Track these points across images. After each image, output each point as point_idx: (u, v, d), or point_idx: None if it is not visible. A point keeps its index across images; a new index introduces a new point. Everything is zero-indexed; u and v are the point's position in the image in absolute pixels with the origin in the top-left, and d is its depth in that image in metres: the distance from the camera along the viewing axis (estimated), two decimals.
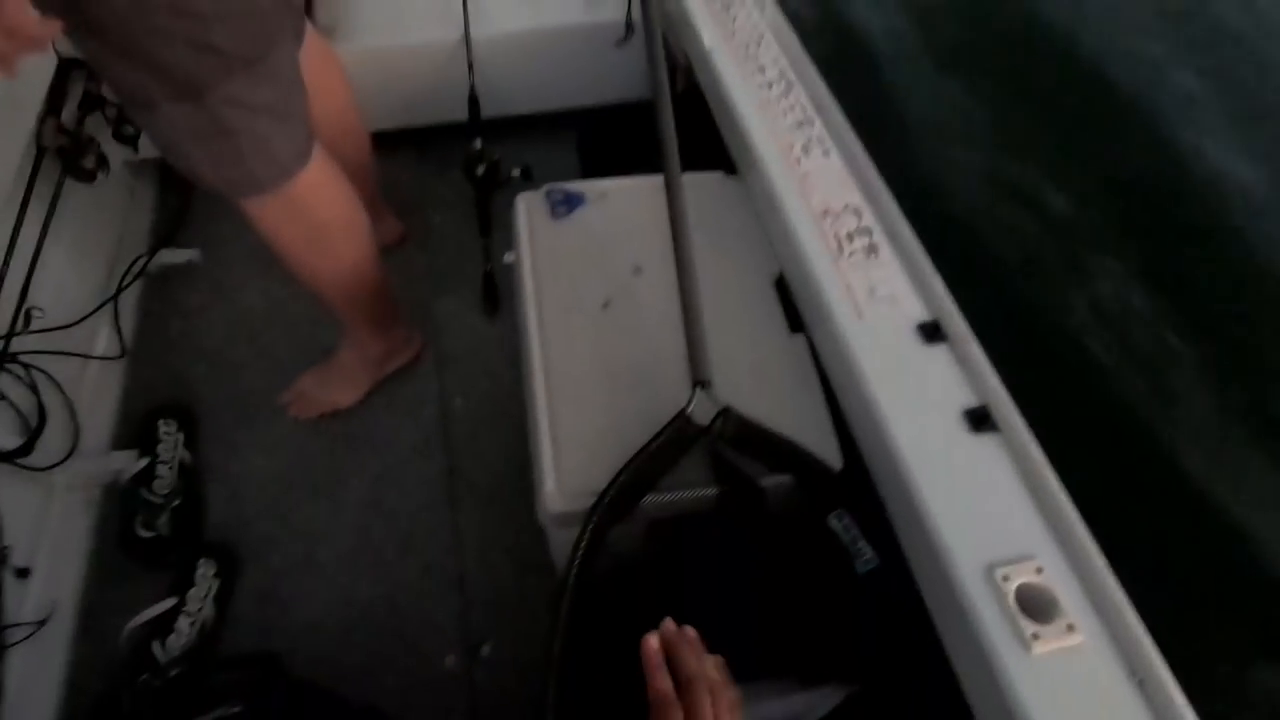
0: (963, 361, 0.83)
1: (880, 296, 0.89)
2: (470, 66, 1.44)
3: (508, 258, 1.15)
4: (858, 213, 0.97)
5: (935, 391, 0.80)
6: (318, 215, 1.01)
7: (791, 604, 0.86)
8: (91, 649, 1.06)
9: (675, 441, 0.80)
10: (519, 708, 1.02)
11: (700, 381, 0.82)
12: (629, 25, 1.50)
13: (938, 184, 1.91)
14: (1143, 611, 0.66)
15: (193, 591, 1.08)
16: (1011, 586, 0.67)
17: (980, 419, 0.78)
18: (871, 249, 0.93)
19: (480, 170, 1.48)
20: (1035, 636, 0.64)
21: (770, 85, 1.12)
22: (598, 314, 0.96)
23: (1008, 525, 0.71)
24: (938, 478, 0.73)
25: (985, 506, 0.72)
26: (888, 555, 0.81)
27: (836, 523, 0.84)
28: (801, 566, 0.84)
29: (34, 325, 1.18)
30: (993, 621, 0.65)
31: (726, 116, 1.13)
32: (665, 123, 0.99)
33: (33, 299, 1.18)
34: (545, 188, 1.08)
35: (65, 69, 1.28)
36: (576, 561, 0.77)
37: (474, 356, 1.36)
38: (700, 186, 1.11)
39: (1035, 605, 0.66)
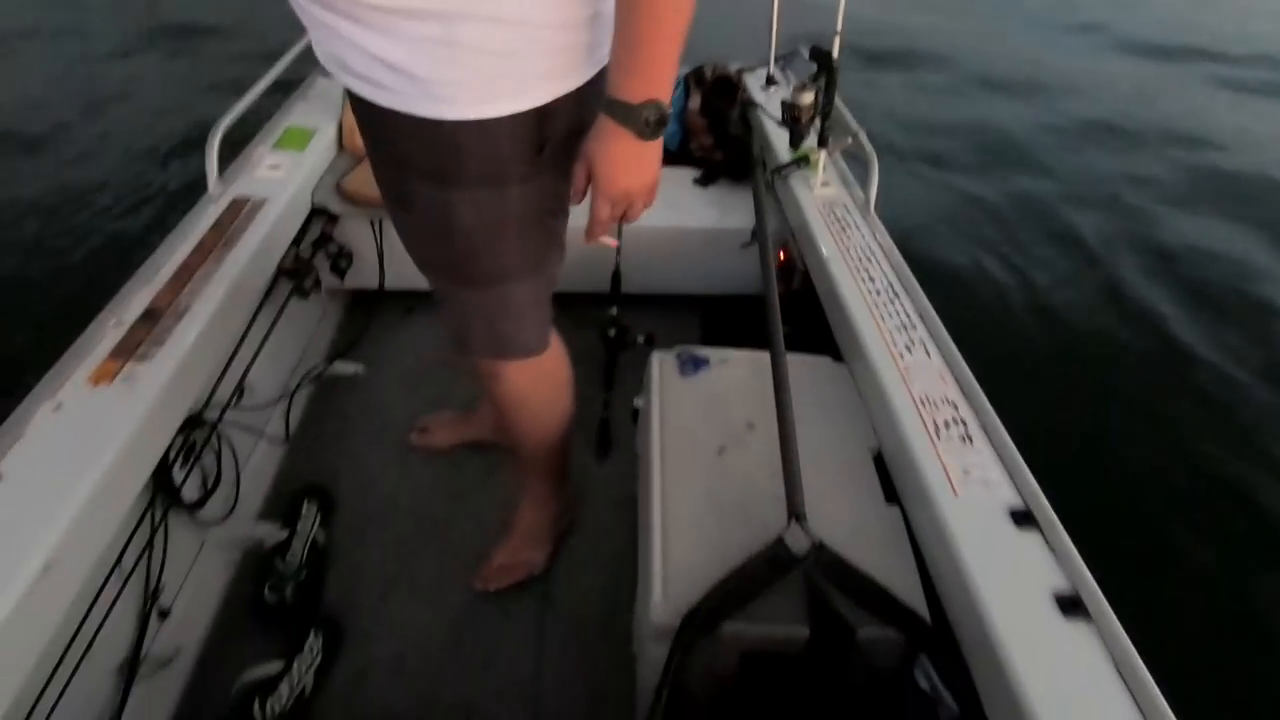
0: (1053, 548, 0.88)
1: (975, 479, 0.97)
2: (618, 250, 1.73)
3: (638, 402, 1.31)
4: (954, 405, 1.09)
5: (1027, 574, 0.86)
6: (559, 373, 1.18)
7: None
8: (200, 695, 1.14)
9: (769, 565, 0.88)
10: None
11: (796, 514, 0.91)
12: (754, 232, 1.77)
13: None
14: None
15: (299, 658, 1.17)
16: None
17: (1072, 605, 0.82)
18: (966, 437, 1.04)
19: (612, 333, 1.71)
20: None
21: (878, 293, 1.31)
22: (712, 458, 1.09)
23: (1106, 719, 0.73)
24: (1033, 660, 0.77)
25: (1082, 696, 0.74)
26: (966, 709, 0.82)
27: (919, 670, 0.87)
28: (886, 712, 0.86)
29: (242, 403, 1.42)
30: None
31: (837, 311, 1.31)
32: (770, 286, 1.16)
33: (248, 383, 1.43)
34: (676, 349, 1.27)
35: (311, 213, 1.64)
36: (674, 662, 0.83)
37: (580, 493, 1.48)
38: (809, 366, 1.26)
39: None
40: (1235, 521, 1.77)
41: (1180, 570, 1.66)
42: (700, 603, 0.86)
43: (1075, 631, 0.80)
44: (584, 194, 0.88)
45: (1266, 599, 1.60)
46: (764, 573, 0.90)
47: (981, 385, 1.11)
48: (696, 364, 1.25)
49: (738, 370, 1.25)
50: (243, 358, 1.38)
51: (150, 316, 1.15)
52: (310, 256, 1.66)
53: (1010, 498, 0.95)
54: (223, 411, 1.30)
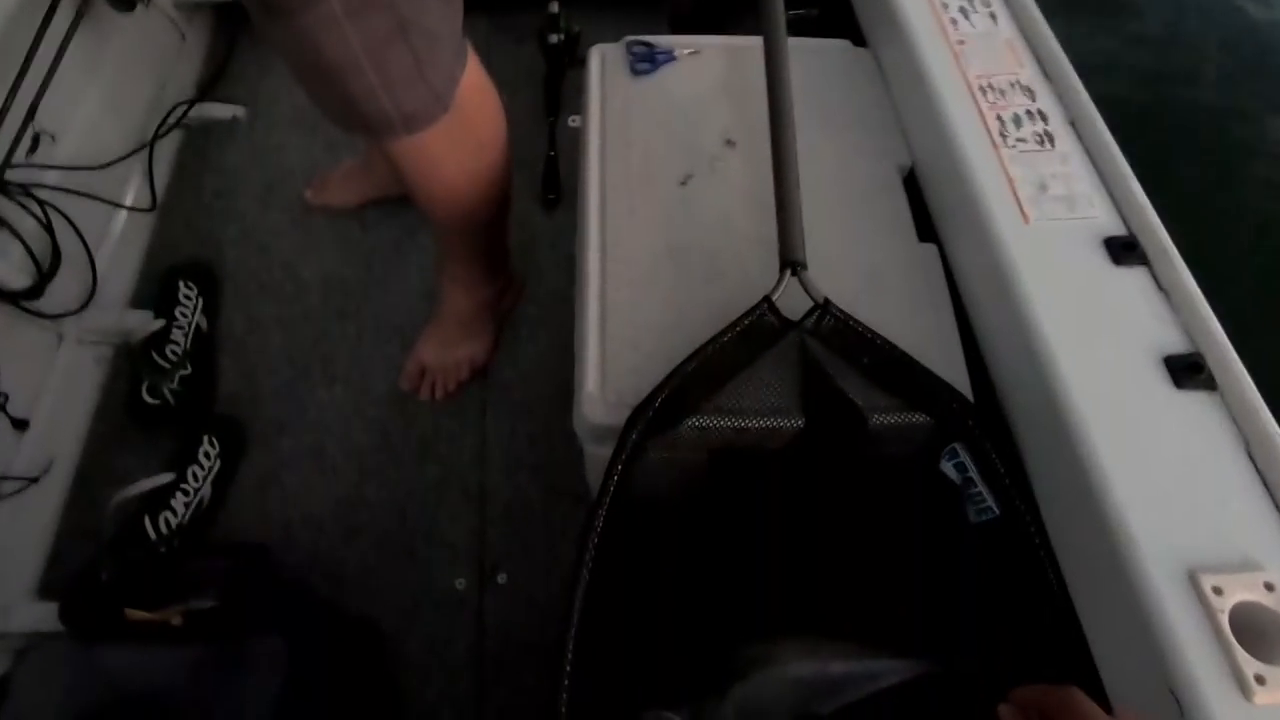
0: (1167, 291, 0.61)
1: (1054, 196, 0.67)
2: None
3: (573, 120, 0.97)
4: (1030, 92, 0.74)
5: (1126, 327, 0.59)
6: (482, 131, 0.78)
7: (882, 558, 0.68)
8: (80, 515, 0.97)
9: (751, 335, 0.62)
10: (530, 646, 0.89)
11: (791, 262, 0.63)
12: None
13: None
14: None
15: (193, 468, 0.98)
16: (1226, 604, 0.47)
17: (1189, 369, 0.56)
18: (1045, 137, 0.71)
19: (554, 39, 1.29)
20: (1260, 680, 0.44)
21: None
22: (675, 190, 0.77)
23: (1224, 518, 0.50)
24: (1124, 441, 0.53)
25: (1191, 489, 0.52)
26: (1010, 510, 0.61)
27: (948, 461, 0.65)
28: (901, 514, 0.66)
29: (56, 160, 1.07)
30: (1194, 648, 0.45)
31: None
32: None
33: (55, 130, 1.07)
34: (626, 39, 0.88)
35: None
36: (615, 475, 0.61)
37: (524, 251, 1.19)
38: (816, 55, 0.89)
39: (1260, 636, 0.46)
40: None
41: None
42: (653, 393, 0.61)
43: (1192, 405, 0.55)
44: None
45: None
46: (744, 345, 0.63)
47: (1071, 59, 0.75)
48: (654, 58, 0.87)
49: (712, 65, 0.87)
50: (30, 91, 1.00)
51: None
52: None
53: (1107, 221, 0.65)
54: (2, 165, 0.95)
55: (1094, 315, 0.60)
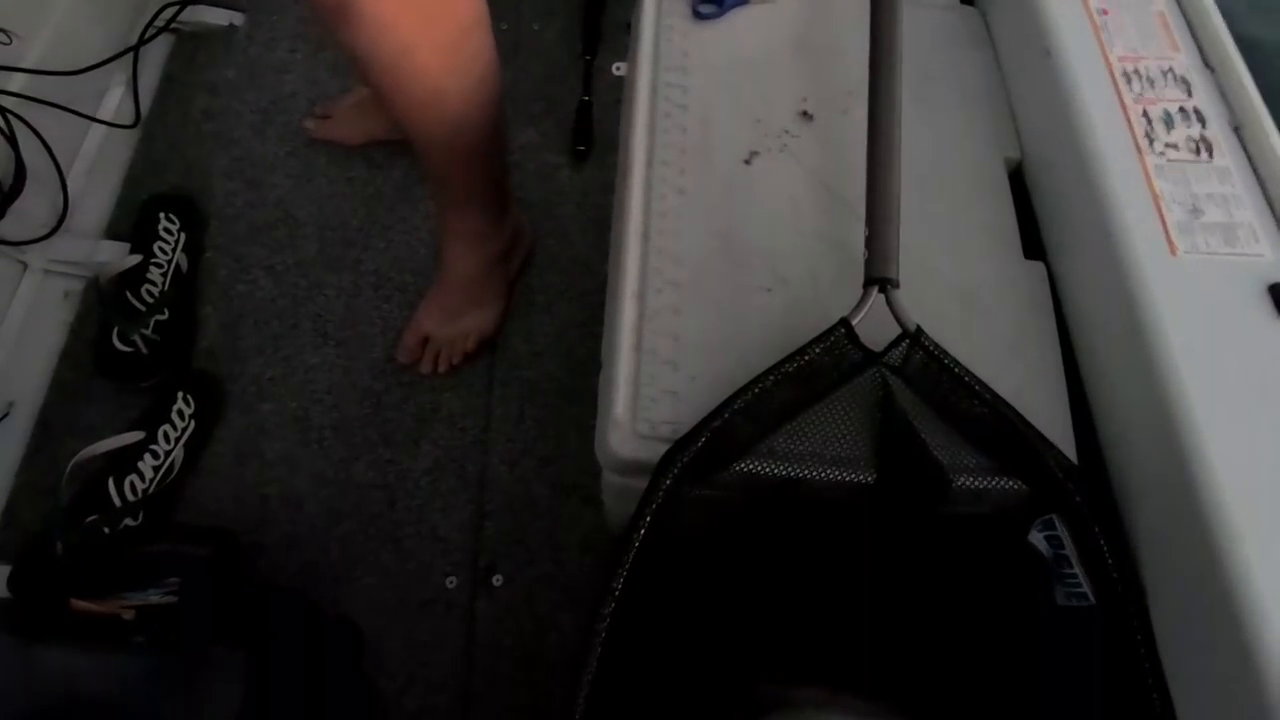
0: None
1: (1209, 223, 0.54)
2: None
3: (618, 68, 0.83)
4: (1185, 84, 0.60)
5: None
6: (459, 7, 0.65)
7: (938, 624, 0.59)
8: (39, 471, 0.88)
9: (824, 364, 0.51)
10: (524, 660, 0.81)
11: (879, 279, 0.52)
12: None
13: None
14: None
15: (164, 428, 0.88)
16: None
17: None
18: (1202, 145, 0.57)
19: None
20: None
21: None
22: (737, 169, 0.64)
23: None
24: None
25: None
26: (1111, 604, 0.52)
27: (1040, 533, 0.55)
28: (970, 579, 0.56)
29: (23, 62, 0.95)
30: None
31: None
32: None
33: (20, 28, 0.93)
34: None
35: None
36: (643, 525, 0.50)
37: (546, 207, 1.06)
38: (916, 10, 0.74)
39: None
40: None
41: None
42: (695, 430, 0.50)
43: None
44: None
45: None
46: (811, 377, 0.52)
47: (1240, 47, 0.61)
48: None
49: (792, 13, 0.73)
50: None
51: None
52: None
53: (1275, 262, 0.53)
54: None
55: (1252, 384, 0.48)
